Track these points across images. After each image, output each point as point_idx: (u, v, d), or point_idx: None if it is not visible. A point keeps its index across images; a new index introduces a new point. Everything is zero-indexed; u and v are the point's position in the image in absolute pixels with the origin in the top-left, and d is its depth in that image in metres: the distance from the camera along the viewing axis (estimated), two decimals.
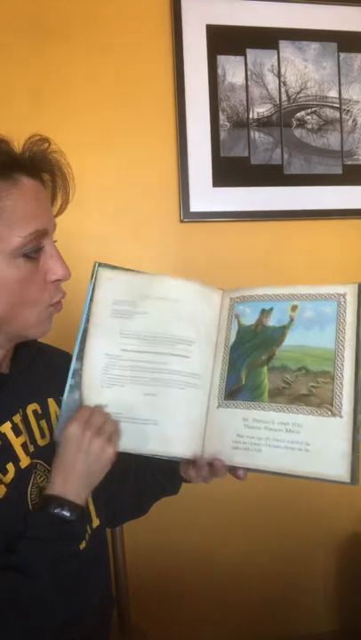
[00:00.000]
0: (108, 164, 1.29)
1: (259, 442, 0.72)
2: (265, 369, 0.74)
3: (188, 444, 0.75)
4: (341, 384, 0.70)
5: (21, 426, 0.71)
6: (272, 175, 1.36)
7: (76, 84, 1.27)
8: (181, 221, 1.32)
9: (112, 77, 1.29)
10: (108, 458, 0.69)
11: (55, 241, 0.72)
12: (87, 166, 1.28)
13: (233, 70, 1.33)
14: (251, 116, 1.35)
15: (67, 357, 0.89)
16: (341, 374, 0.70)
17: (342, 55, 1.38)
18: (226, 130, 1.33)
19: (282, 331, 0.75)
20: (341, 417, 0.69)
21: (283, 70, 1.36)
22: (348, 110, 1.40)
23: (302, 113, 1.38)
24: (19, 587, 0.61)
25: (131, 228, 1.31)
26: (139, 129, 1.30)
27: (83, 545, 0.74)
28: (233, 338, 0.78)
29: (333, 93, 1.39)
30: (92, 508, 0.79)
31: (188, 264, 1.33)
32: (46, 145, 0.73)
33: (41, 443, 0.74)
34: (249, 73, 1.34)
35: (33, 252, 0.68)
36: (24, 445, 0.70)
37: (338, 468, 0.68)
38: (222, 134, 1.33)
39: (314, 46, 1.37)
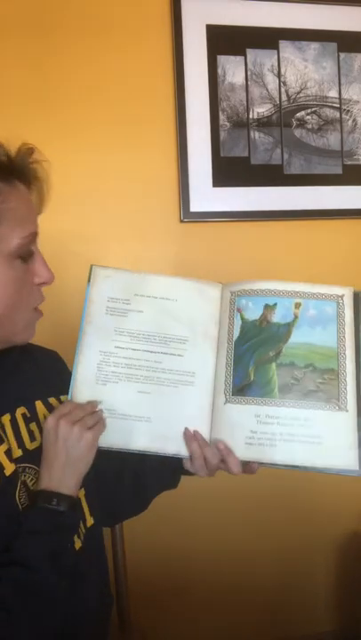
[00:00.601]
0: (108, 163, 1.29)
1: (273, 437, 0.74)
2: (273, 365, 0.76)
3: (180, 442, 0.76)
4: (345, 380, 0.75)
5: (2, 433, 0.71)
6: (272, 175, 1.36)
7: (75, 84, 1.27)
8: (181, 221, 1.32)
9: (112, 77, 1.29)
10: (88, 442, 0.70)
11: None
12: (87, 166, 1.28)
13: (233, 70, 1.33)
14: (251, 116, 1.35)
15: (54, 356, 0.90)
16: (344, 371, 0.75)
17: (342, 55, 1.39)
18: (226, 130, 1.34)
19: (287, 328, 0.77)
20: (347, 411, 0.74)
21: (283, 70, 1.36)
22: (348, 110, 1.40)
23: (302, 113, 1.38)
24: (22, 580, 0.62)
25: (131, 228, 1.31)
26: (139, 129, 1.30)
27: (79, 544, 0.74)
28: (237, 332, 0.78)
29: (333, 93, 1.39)
30: (85, 506, 0.79)
31: (188, 264, 1.33)
32: (30, 153, 0.75)
33: (30, 446, 0.74)
34: (249, 73, 1.34)
35: (26, 254, 0.70)
36: (7, 452, 0.69)
37: (348, 459, 0.73)
38: (222, 134, 1.33)
39: (314, 46, 1.37)
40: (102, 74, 1.29)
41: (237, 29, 1.33)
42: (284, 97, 1.37)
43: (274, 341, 0.77)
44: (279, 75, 1.36)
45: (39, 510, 0.66)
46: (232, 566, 1.39)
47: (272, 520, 1.40)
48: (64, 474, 0.69)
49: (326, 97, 1.39)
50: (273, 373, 0.76)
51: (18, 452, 0.71)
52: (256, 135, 1.35)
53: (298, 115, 1.38)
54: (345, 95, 1.39)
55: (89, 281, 0.79)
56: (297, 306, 0.78)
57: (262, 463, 0.75)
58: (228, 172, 1.33)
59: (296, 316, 0.77)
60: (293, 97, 1.37)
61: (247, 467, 0.76)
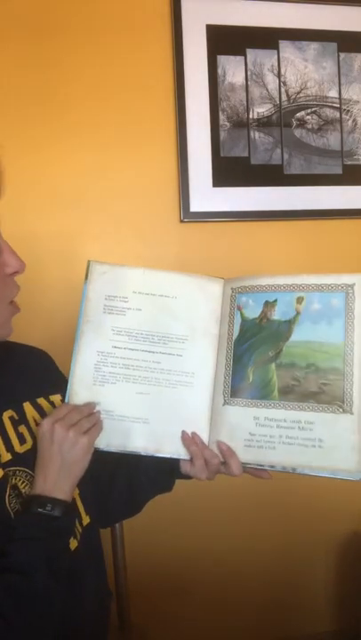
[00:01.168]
0: (108, 163, 1.30)
1: (272, 439, 0.72)
2: (273, 366, 0.73)
3: (179, 444, 0.75)
4: (352, 380, 0.69)
5: None
6: (272, 175, 1.36)
7: (75, 84, 1.27)
8: (181, 221, 1.32)
9: (112, 77, 1.29)
10: (83, 447, 0.69)
11: None
12: (87, 166, 1.28)
13: (233, 70, 1.33)
14: (251, 116, 1.35)
15: (40, 355, 0.89)
16: (351, 371, 0.70)
17: (342, 55, 1.39)
18: (226, 130, 1.34)
19: (288, 325, 0.73)
20: (352, 413, 0.69)
21: (283, 70, 1.36)
22: (348, 110, 1.40)
23: (302, 113, 1.38)
24: (18, 586, 0.61)
25: (131, 227, 1.31)
26: (139, 129, 1.30)
27: (75, 544, 0.74)
28: (236, 331, 0.76)
29: (333, 93, 1.39)
30: (80, 505, 0.78)
31: (187, 264, 1.33)
32: None
33: (20, 449, 0.73)
34: (249, 73, 1.34)
35: None
36: None
37: (350, 464, 0.68)
38: (222, 134, 1.33)
39: (314, 46, 1.37)
40: (102, 74, 1.28)
41: (237, 29, 1.33)
42: (284, 97, 1.37)
43: (274, 340, 0.74)
44: (279, 75, 1.36)
45: (34, 516, 0.66)
46: (232, 566, 1.39)
47: (272, 520, 1.40)
48: (59, 478, 0.68)
49: (326, 97, 1.39)
50: (273, 374, 0.73)
51: (7, 456, 0.71)
52: (256, 135, 1.35)
53: (298, 115, 1.37)
54: (345, 95, 1.39)
55: (86, 278, 0.78)
56: (299, 300, 0.74)
57: (261, 466, 0.73)
58: (228, 172, 1.33)
59: (298, 312, 0.73)
60: (293, 97, 1.37)
61: (258, 474, 0.75)
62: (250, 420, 0.73)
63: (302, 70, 1.37)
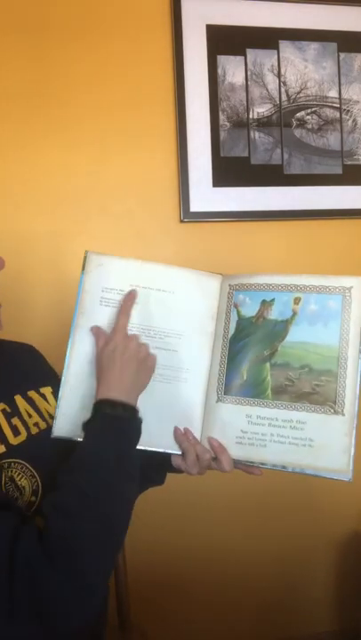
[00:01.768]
0: (108, 163, 1.30)
1: (263, 437, 0.73)
2: (267, 365, 0.74)
3: (171, 439, 0.76)
4: (344, 383, 0.70)
5: None
6: (272, 175, 1.36)
7: (75, 84, 1.27)
8: (181, 221, 1.32)
9: (112, 77, 1.29)
10: (153, 361, 0.74)
11: None
12: (87, 166, 1.28)
13: (233, 70, 1.33)
14: (251, 116, 1.35)
15: (28, 349, 0.89)
16: (345, 373, 0.71)
17: (342, 55, 1.39)
18: (226, 130, 1.34)
19: (284, 325, 0.74)
20: (344, 415, 0.70)
21: (283, 70, 1.36)
22: (349, 110, 1.40)
23: (302, 113, 1.38)
24: (85, 484, 0.61)
25: (131, 227, 1.31)
26: (139, 129, 1.30)
27: None
28: (232, 329, 0.77)
29: (333, 93, 1.39)
30: None
31: (187, 264, 1.31)
32: None
33: (15, 441, 0.73)
34: (249, 73, 1.34)
35: None
36: None
37: (340, 464, 0.70)
38: (222, 134, 1.33)
39: (314, 46, 1.37)
40: (102, 74, 1.29)
41: (237, 29, 1.33)
42: (284, 97, 1.37)
43: (269, 340, 0.74)
44: (279, 75, 1.36)
45: (105, 416, 0.67)
46: (232, 566, 1.39)
47: (272, 520, 1.40)
48: (131, 385, 0.70)
49: (326, 97, 1.39)
50: (267, 374, 0.73)
51: (1, 449, 0.71)
52: (256, 135, 1.35)
53: (298, 115, 1.38)
54: (345, 95, 1.39)
55: (83, 269, 0.77)
56: (296, 301, 0.74)
57: (252, 463, 0.74)
58: (228, 172, 1.33)
59: (295, 313, 0.74)
60: (293, 97, 1.37)
61: (249, 470, 0.76)
62: (242, 418, 0.74)
63: (302, 70, 1.37)
